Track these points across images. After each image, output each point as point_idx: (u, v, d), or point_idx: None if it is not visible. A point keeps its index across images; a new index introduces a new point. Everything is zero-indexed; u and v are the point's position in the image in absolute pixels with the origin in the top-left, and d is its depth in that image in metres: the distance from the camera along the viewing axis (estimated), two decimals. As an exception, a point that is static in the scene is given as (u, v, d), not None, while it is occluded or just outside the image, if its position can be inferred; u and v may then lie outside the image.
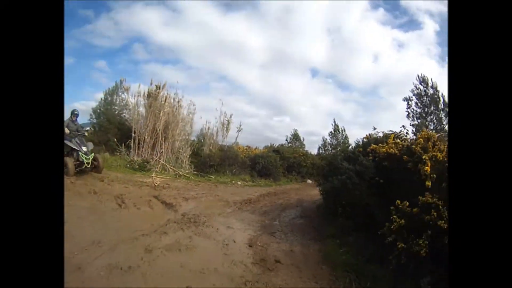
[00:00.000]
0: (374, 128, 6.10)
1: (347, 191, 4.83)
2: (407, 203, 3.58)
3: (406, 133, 5.16)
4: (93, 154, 8.19)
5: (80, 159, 7.70)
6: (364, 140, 6.12)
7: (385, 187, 4.18)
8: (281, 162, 14.16)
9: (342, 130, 20.61)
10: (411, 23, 45.14)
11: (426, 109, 15.28)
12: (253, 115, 47.39)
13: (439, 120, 14.69)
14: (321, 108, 51.08)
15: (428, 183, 3.61)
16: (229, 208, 6.72)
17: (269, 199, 8.62)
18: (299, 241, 4.79)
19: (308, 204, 7.38)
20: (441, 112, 14.79)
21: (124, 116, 14.19)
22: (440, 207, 3.25)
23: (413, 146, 4.22)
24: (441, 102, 14.95)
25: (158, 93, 12.10)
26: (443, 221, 3.10)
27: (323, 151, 20.14)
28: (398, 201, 3.63)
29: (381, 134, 5.65)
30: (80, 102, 23.47)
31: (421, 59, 43.24)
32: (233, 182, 11.21)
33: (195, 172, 11.49)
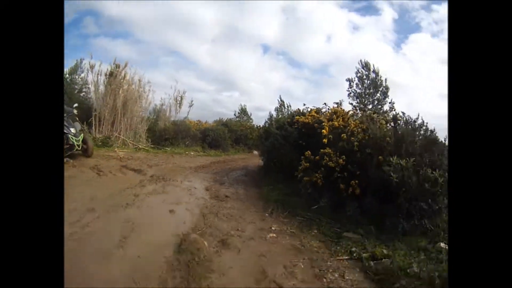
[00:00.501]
0: (304, 105, 7.93)
1: (276, 150, 6.62)
2: (310, 153, 5.09)
3: (328, 108, 6.85)
4: (82, 135, 7.57)
5: (70, 142, 7.00)
6: (294, 113, 7.84)
7: (304, 147, 5.58)
8: (229, 134, 15.68)
9: (287, 106, 22.48)
10: (369, 8, 45.84)
11: (367, 90, 17.45)
12: (202, 90, 46.79)
13: (379, 100, 16.94)
14: (271, 84, 51.42)
15: (325, 140, 5.15)
16: (186, 171, 8.11)
17: (219, 165, 10.21)
18: (243, 187, 6.55)
19: (252, 168, 9.22)
20: (380, 94, 17.03)
21: (84, 94, 14.68)
22: (332, 155, 4.74)
23: (321, 117, 5.89)
24: (382, 85, 17.19)
25: (119, 72, 12.52)
26: (332, 163, 4.63)
27: (270, 124, 22.01)
28: (307, 152, 5.14)
29: (309, 109, 7.34)
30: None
31: (376, 43, 45.07)
32: (187, 153, 12.55)
33: (152, 146, 12.45)
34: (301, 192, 5.05)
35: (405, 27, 44.30)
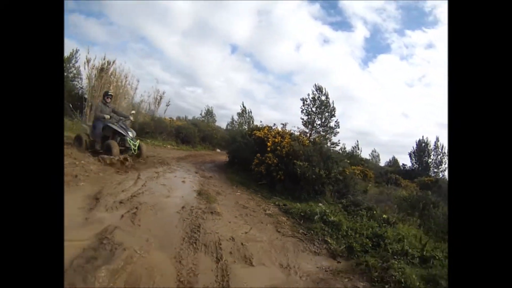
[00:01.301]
0: (261, 122, 11.46)
1: (239, 151, 9.58)
2: (260, 155, 8.07)
3: (279, 126, 10.23)
4: (138, 141, 8.11)
5: (127, 145, 7.64)
6: (254, 127, 11.21)
7: (256, 151, 8.37)
8: (198, 133, 18.23)
9: (248, 112, 25.96)
10: (342, 24, 47.45)
11: (317, 109, 21.32)
12: (166, 82, 47.83)
13: (326, 118, 20.94)
14: (235, 84, 52.83)
15: (268, 149, 7.97)
16: (173, 160, 10.15)
17: (193, 158, 12.47)
18: (217, 173, 8.96)
19: (219, 162, 11.95)
20: (328, 113, 21.02)
21: (75, 84, 17.06)
22: (271, 157, 7.70)
23: (269, 134, 9.17)
24: (330, 107, 21.19)
25: (108, 68, 14.44)
26: (270, 161, 7.56)
27: (231, 127, 25.37)
28: (258, 154, 8.07)
29: (264, 125, 10.68)
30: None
31: (343, 57, 47.72)
32: (164, 145, 14.66)
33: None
34: (252, 177, 8.08)
35: (375, 46, 47.38)
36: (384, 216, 5.01)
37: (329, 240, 4.12)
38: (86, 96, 14.23)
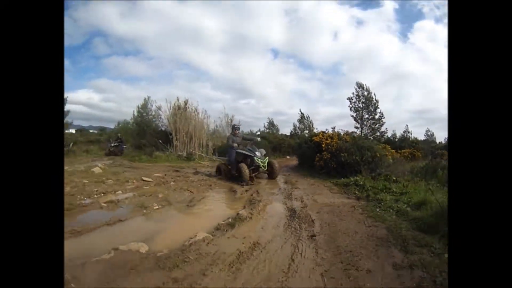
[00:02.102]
0: (316, 129, 15.26)
1: (304, 154, 12.82)
2: (319, 154, 11.07)
3: (331, 131, 13.67)
4: (267, 158, 9.64)
5: (256, 164, 9.10)
6: (313, 134, 14.77)
7: (316, 152, 11.32)
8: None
9: (307, 117, 29.55)
10: (369, 1, 48.10)
11: (363, 104, 24.46)
12: (219, 99, 50.40)
13: (370, 112, 23.94)
14: (286, 88, 53.08)
15: (323, 149, 10.75)
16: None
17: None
18: (292, 173, 11.92)
19: (291, 165, 14.53)
20: (371, 107, 24.05)
21: (157, 123, 21.28)
22: (325, 154, 10.55)
23: (323, 138, 12.49)
24: (374, 100, 24.28)
25: (187, 107, 18.44)
26: (325, 156, 10.52)
27: (294, 133, 29.07)
28: (318, 154, 11.03)
29: (318, 131, 14.20)
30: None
31: (381, 35, 47.14)
32: None
33: (220, 158, 16.24)
34: (315, 169, 11.05)
35: (408, 16, 41.62)
36: (393, 178, 8.18)
37: (356, 192, 7.24)
38: (171, 132, 17.82)
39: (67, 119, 23.29)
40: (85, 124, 26.69)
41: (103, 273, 2.65)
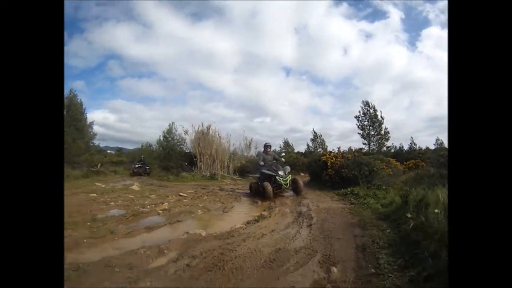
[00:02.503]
0: (326, 150, 17.23)
1: (314, 172, 14.82)
2: (325, 171, 12.62)
3: (337, 151, 15.80)
4: (290, 176, 10.07)
5: (278, 182, 9.68)
6: (320, 154, 16.95)
7: (323, 169, 13.21)
8: (284, 164, 22.87)
9: (319, 136, 31.67)
10: (376, 14, 47.58)
11: (369, 122, 26.62)
12: (233, 119, 50.56)
13: (375, 127, 26.04)
14: (299, 104, 54.07)
15: (329, 166, 12.35)
16: None
17: None
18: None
19: (304, 181, 15.49)
20: (376, 124, 26.18)
21: (182, 147, 23.43)
22: (330, 171, 12.20)
23: (329, 157, 14.58)
24: (379, 116, 26.42)
25: (209, 131, 20.40)
26: (330, 173, 12.14)
27: (308, 152, 31.10)
28: (324, 171, 12.65)
29: (328, 151, 16.38)
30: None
31: (390, 46, 45.80)
32: None
33: (239, 177, 19.13)
34: (323, 184, 12.37)
35: (414, 24, 43.24)
36: (383, 187, 10.18)
37: (351, 199, 8.85)
38: (195, 155, 19.87)
39: (94, 142, 25.52)
40: (102, 144, 28.72)
41: (184, 243, 4.49)
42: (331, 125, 49.95)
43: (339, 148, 15.74)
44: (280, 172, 9.87)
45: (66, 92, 22.52)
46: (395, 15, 44.59)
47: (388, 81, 49.84)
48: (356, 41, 48.87)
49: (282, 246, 4.38)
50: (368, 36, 48.63)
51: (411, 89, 48.59)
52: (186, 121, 31.82)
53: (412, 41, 47.95)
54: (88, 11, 42.81)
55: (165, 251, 4.14)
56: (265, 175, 10.03)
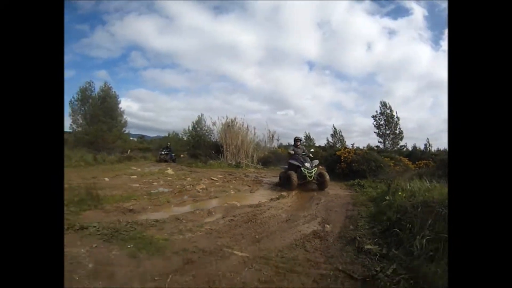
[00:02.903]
0: (340, 146, 19.04)
1: (330, 165, 15.81)
2: (339, 164, 14.24)
3: (351, 146, 17.77)
4: (315, 169, 10.17)
5: (303, 174, 9.87)
6: (336, 149, 18.84)
7: (337, 162, 15.11)
8: None
9: (339, 131, 33.33)
10: (399, 10, 48.38)
11: (385, 122, 28.28)
12: (257, 110, 51.83)
13: (391, 126, 27.61)
14: (322, 99, 54.94)
15: (342, 160, 14.29)
16: None
17: None
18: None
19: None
20: (392, 123, 27.76)
21: (210, 137, 24.97)
22: (343, 164, 14.02)
23: (343, 152, 16.38)
24: (395, 117, 28.12)
25: (235, 123, 22.08)
26: (343, 166, 13.99)
27: (328, 146, 32.74)
28: (338, 164, 14.39)
29: (340, 147, 18.37)
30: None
31: (414, 43, 45.74)
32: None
33: (262, 166, 20.44)
34: (336, 176, 12.99)
35: (437, 22, 42.57)
36: (386, 180, 11.71)
37: (356, 189, 10.11)
38: (222, 144, 21.54)
39: (125, 129, 26.74)
40: (125, 131, 30.54)
41: (225, 209, 6.28)
42: (354, 121, 51.43)
43: (353, 144, 17.70)
44: (307, 164, 10.06)
45: (96, 86, 25.01)
46: (418, 12, 43.28)
47: (411, 79, 48.92)
48: (379, 37, 47.90)
49: (295, 213, 6.25)
50: (392, 33, 47.46)
51: (435, 88, 47.18)
52: (210, 111, 34.43)
53: (436, 40, 46.66)
54: (109, 4, 43.98)
55: (213, 213, 5.99)
56: (292, 165, 10.31)
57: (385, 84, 49.01)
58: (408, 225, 3.87)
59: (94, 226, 4.41)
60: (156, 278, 2.88)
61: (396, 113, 29.37)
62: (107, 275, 2.89)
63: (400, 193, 5.79)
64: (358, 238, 4.25)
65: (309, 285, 2.91)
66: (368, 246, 3.78)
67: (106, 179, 10.43)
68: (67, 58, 37.28)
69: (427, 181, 6.63)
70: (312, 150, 12.45)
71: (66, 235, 3.75)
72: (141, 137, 39.60)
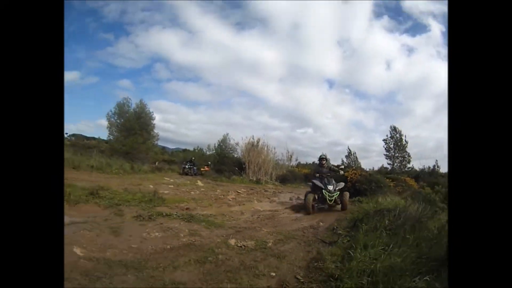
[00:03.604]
0: (350, 167, 21.99)
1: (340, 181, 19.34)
2: (345, 184, 12.53)
3: (356, 167, 20.40)
4: (337, 193, 9.62)
5: (324, 196, 9.46)
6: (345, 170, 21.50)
7: (346, 182, 16.38)
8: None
9: (353, 153, 35.59)
10: (417, 27, 46.76)
11: (394, 145, 31.05)
12: (276, 127, 49.14)
13: (399, 149, 30.43)
14: (342, 117, 52.37)
15: (348, 180, 14.71)
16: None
17: None
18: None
19: None
20: (400, 146, 30.61)
21: (234, 155, 26.72)
22: (349, 183, 14.36)
23: (351, 173, 18.77)
24: (403, 140, 30.76)
25: (258, 144, 23.82)
26: (349, 184, 16.04)
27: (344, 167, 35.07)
28: (344, 184, 14.14)
29: (350, 168, 20.82)
30: (105, 118, 25.92)
31: (433, 61, 42.92)
32: (301, 187, 20.53)
33: (280, 183, 21.99)
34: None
35: None
36: (386, 198, 13.37)
37: (356, 203, 10.61)
38: (245, 162, 23.28)
39: (154, 142, 27.81)
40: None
41: (252, 212, 8.80)
42: (373, 141, 50.97)
43: (359, 166, 20.09)
44: (330, 187, 9.58)
45: (133, 103, 26.23)
46: (436, 28, 41.20)
47: (431, 97, 47.07)
48: (399, 55, 48.03)
49: (300, 216, 8.64)
50: (410, 50, 47.16)
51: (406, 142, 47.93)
52: (230, 126, 34.34)
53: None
54: (134, 15, 44.69)
55: (244, 213, 8.38)
56: (315, 186, 9.92)
57: (404, 102, 48.39)
58: (364, 219, 6.31)
59: (176, 214, 6.86)
60: (223, 236, 5.43)
61: (405, 136, 31.52)
62: (197, 234, 5.48)
63: (371, 204, 8.68)
64: (335, 227, 6.86)
65: (302, 244, 5.44)
66: (340, 231, 6.38)
67: (151, 186, 12.28)
68: (92, 65, 40.38)
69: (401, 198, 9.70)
70: (342, 167, 13.35)
71: (158, 219, 6.22)
72: (162, 148, 39.87)
